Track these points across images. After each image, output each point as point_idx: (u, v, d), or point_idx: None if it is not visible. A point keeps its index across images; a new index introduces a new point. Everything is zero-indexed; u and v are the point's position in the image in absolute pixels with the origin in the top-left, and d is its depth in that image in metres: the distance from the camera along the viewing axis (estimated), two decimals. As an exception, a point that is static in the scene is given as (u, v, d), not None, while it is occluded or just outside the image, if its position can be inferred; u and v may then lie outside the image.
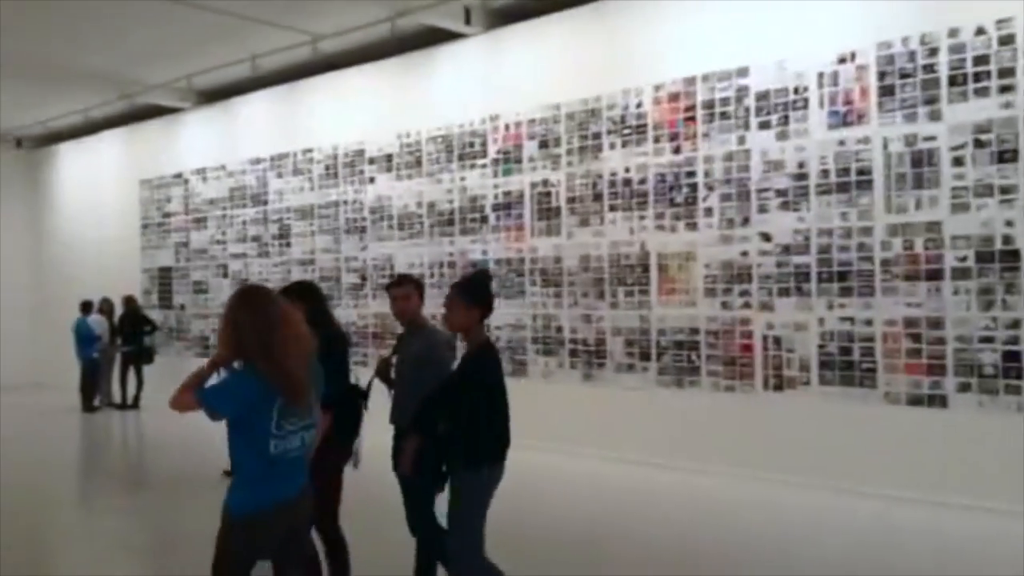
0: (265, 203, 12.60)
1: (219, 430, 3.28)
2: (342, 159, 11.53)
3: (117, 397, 13.48)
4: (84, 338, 13.34)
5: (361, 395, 4.75)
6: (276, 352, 3.17)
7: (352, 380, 4.76)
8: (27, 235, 17.35)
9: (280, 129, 12.38)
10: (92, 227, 16.02)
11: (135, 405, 13.21)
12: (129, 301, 13.65)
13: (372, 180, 11.15)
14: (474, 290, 4.20)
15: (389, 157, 10.95)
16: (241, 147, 12.95)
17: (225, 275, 13.27)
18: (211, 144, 13.52)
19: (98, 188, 15.89)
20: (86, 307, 13.64)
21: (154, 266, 14.62)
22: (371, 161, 11.16)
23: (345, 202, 11.51)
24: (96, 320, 13.52)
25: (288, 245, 12.28)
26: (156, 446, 10.75)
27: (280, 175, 12.36)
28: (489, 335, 4.40)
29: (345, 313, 11.45)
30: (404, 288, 4.74)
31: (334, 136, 11.62)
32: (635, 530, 6.39)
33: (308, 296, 4.61)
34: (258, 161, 12.67)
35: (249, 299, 3.32)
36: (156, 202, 14.56)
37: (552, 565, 5.66)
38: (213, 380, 3.25)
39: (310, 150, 11.92)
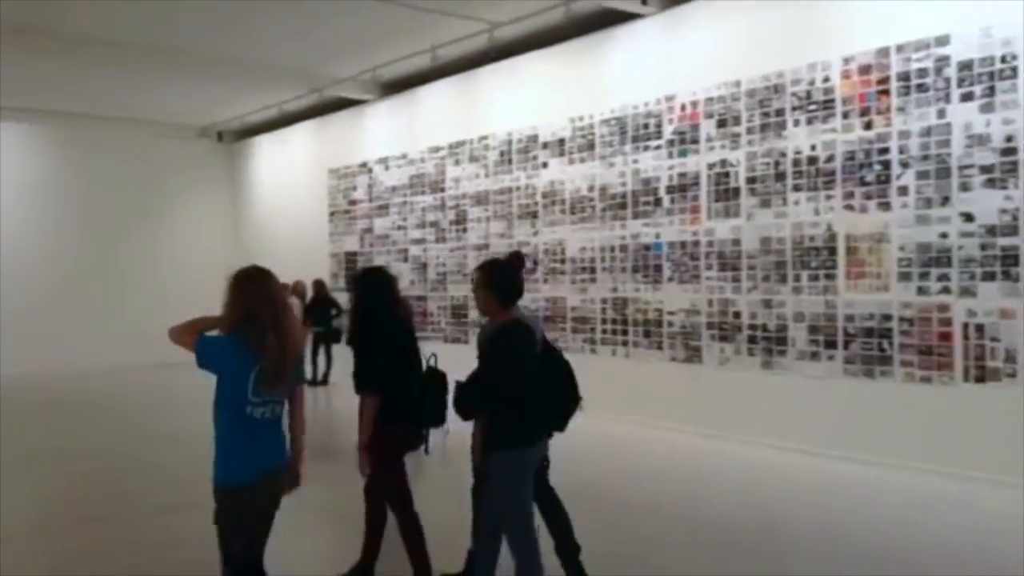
0: (443, 190, 12.97)
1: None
2: (516, 145, 11.68)
3: (308, 374, 14.28)
4: None
5: (436, 381, 4.67)
6: (268, 331, 3.44)
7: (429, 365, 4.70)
8: (227, 221, 18.78)
9: (457, 117, 12.70)
10: (284, 214, 17.11)
11: (324, 382, 13.95)
12: (319, 285, 14.40)
13: (545, 165, 11.22)
14: (494, 276, 4.21)
15: (562, 141, 10.98)
16: (421, 136, 13.39)
17: (405, 259, 13.78)
18: (393, 134, 14.07)
19: (290, 177, 16.95)
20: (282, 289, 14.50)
21: (340, 251, 15.40)
22: (544, 146, 11.23)
23: (518, 188, 11.65)
24: (290, 302, 14.33)
25: (464, 231, 12.59)
26: (346, 419, 11.33)
27: (457, 162, 12.68)
28: (517, 317, 4.22)
29: (518, 297, 11.60)
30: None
31: (508, 122, 11.78)
32: (814, 525, 6.08)
33: (359, 284, 4.74)
34: (437, 149, 13.05)
35: (256, 279, 3.61)
36: (342, 190, 15.32)
37: (727, 555, 5.48)
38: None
39: (485, 137, 12.15)
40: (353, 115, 15.05)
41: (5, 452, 9.75)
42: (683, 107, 9.46)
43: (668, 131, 9.60)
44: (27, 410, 12.41)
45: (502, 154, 11.89)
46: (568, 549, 4.63)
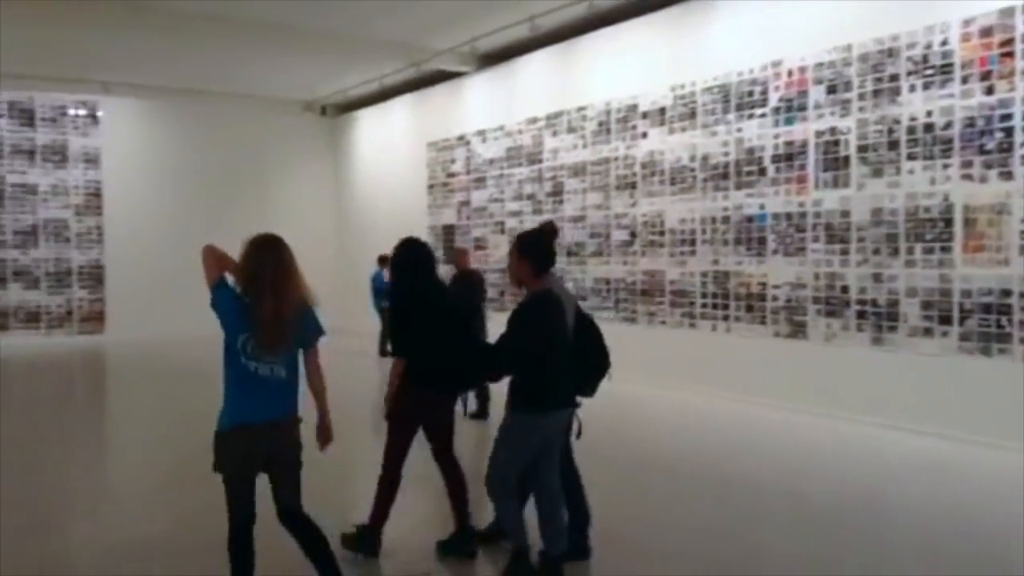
0: (540, 162, 12.93)
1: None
2: (615, 115, 11.52)
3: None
4: (379, 289, 14.26)
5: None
6: (264, 296, 3.63)
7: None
8: (329, 194, 19.25)
9: (555, 88, 12.61)
10: (384, 187, 17.40)
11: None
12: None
13: (644, 135, 11.04)
14: (526, 243, 4.28)
15: (662, 111, 10.77)
16: (518, 108, 13.36)
17: (502, 231, 13.83)
18: (491, 106, 14.09)
19: (390, 151, 17.20)
20: (383, 260, 14.63)
21: (438, 224, 15.57)
22: (644, 115, 11.05)
23: (616, 158, 11.51)
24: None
25: (561, 202, 12.53)
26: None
27: (555, 133, 12.61)
28: (549, 287, 4.27)
29: (613, 269, 11.52)
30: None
31: (607, 92, 11.63)
32: (921, 505, 5.85)
33: (394, 257, 4.85)
34: (534, 120, 13.01)
35: (263, 244, 3.79)
36: (441, 163, 15.46)
37: (830, 533, 5.34)
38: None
39: (584, 107, 12.03)
40: (451, 88, 15.13)
41: (122, 415, 10.32)
42: (790, 73, 9.13)
43: (774, 98, 9.30)
44: (139, 375, 13.07)
45: (600, 124, 11.76)
46: (576, 523, 4.66)
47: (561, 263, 12.47)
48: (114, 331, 16.77)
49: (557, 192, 12.59)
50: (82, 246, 16.88)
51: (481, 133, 14.30)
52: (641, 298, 11.12)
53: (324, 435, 3.99)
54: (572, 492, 4.62)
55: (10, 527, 5.46)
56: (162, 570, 4.69)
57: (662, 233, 10.79)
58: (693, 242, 10.35)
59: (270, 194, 18.56)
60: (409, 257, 4.84)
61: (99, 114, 16.95)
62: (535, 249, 4.27)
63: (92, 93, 16.67)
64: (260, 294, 3.65)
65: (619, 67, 11.48)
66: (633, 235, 11.24)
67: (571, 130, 12.29)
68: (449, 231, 15.24)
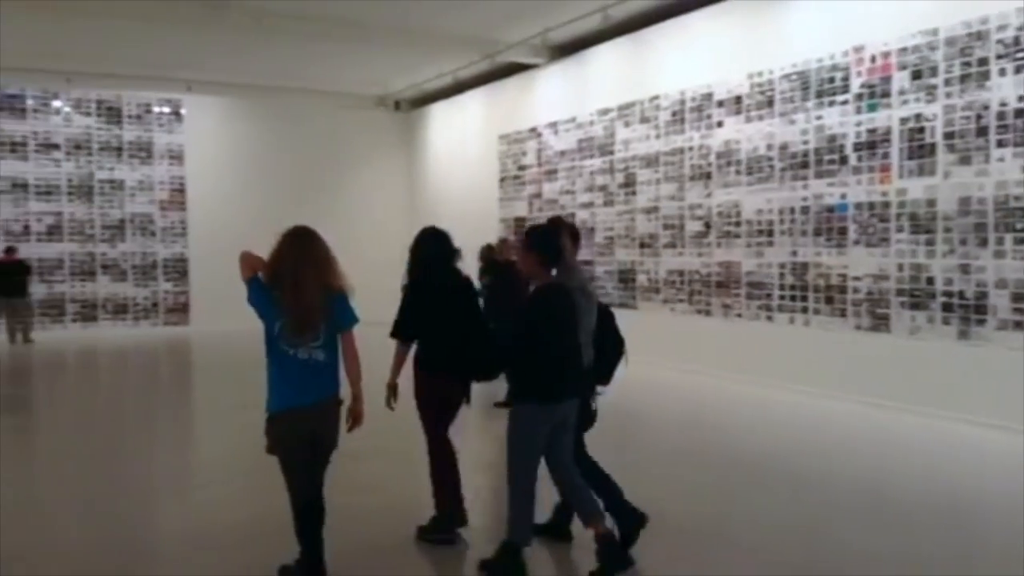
0: (611, 153, 12.84)
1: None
2: (689, 104, 11.36)
3: None
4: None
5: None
6: (289, 285, 3.84)
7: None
8: (402, 188, 19.48)
9: (628, 78, 12.49)
10: (456, 180, 17.53)
11: None
12: (489, 249, 14.46)
13: (720, 124, 10.85)
14: (535, 237, 4.38)
15: (738, 99, 10.57)
16: (590, 99, 13.29)
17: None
18: (562, 98, 14.04)
19: (462, 144, 17.31)
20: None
21: (510, 216, 15.61)
22: (719, 104, 10.86)
23: (691, 148, 11.35)
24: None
25: (633, 194, 12.42)
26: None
27: (627, 124, 12.50)
28: (558, 280, 4.37)
29: (687, 261, 11.37)
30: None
31: (681, 81, 11.47)
32: (1011, 505, 5.62)
33: (415, 244, 5.05)
34: (606, 112, 12.92)
35: (292, 236, 3.99)
36: (512, 156, 15.49)
37: (913, 531, 5.18)
38: None
39: (656, 97, 11.89)
40: (523, 80, 15.14)
41: (206, 402, 10.65)
42: (873, 59, 8.85)
43: (856, 85, 9.03)
44: (222, 364, 13.45)
45: (674, 114, 11.61)
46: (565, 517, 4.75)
47: (633, 255, 12.38)
48: (198, 322, 17.32)
49: (629, 183, 12.49)
50: (167, 240, 17.47)
51: (553, 125, 14.26)
52: (716, 290, 10.95)
53: (355, 418, 4.15)
54: (598, 480, 4.65)
55: (100, 511, 5.69)
56: (244, 556, 4.82)
57: (738, 224, 10.61)
58: (771, 233, 10.14)
59: (344, 188, 18.88)
60: (425, 246, 5.01)
61: (183, 111, 17.51)
62: (543, 243, 4.37)
63: (176, 91, 17.22)
64: (283, 284, 3.88)
65: (693, 56, 11.31)
66: (708, 226, 11.07)
67: (644, 120, 12.16)
68: (521, 223, 15.25)
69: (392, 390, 4.85)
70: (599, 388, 4.68)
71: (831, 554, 4.78)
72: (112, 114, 17.03)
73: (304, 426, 3.97)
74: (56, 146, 16.64)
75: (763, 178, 10.22)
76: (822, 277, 9.48)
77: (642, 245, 12.22)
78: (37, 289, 16.00)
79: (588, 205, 13.41)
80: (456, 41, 14.04)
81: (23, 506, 5.79)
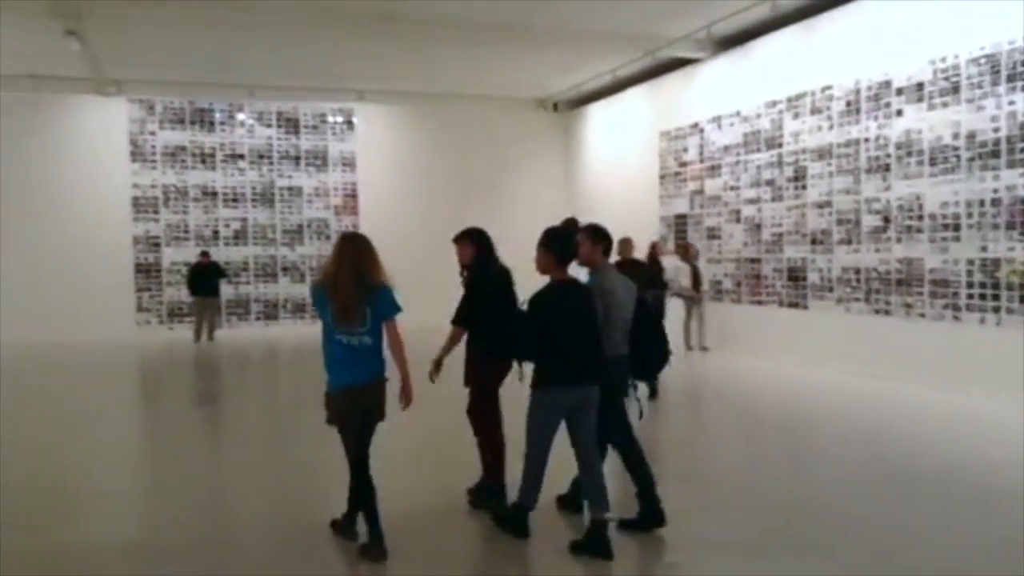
0: (780, 146, 12.41)
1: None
2: (864, 93, 10.81)
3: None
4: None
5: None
6: (331, 281, 4.56)
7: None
8: (560, 189, 19.60)
9: (797, 68, 12.03)
10: (615, 179, 17.46)
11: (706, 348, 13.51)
12: (651, 247, 14.10)
13: (899, 113, 10.27)
14: (552, 237, 4.78)
15: (919, 86, 9.97)
16: (756, 91, 12.90)
17: (737, 220, 13.44)
18: (726, 91, 13.70)
19: (621, 143, 17.23)
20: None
21: (670, 214, 15.39)
22: (898, 92, 10.28)
23: (867, 139, 10.80)
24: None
25: (803, 188, 11.96)
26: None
27: (796, 116, 12.05)
28: (571, 278, 4.80)
29: (863, 258, 10.83)
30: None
31: (856, 69, 10.93)
32: None
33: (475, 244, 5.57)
34: (774, 103, 12.50)
35: (340, 240, 4.76)
36: (673, 152, 15.26)
37: None
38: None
39: (829, 87, 11.40)
40: (684, 75, 14.88)
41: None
42: (1077, 36, 8.14)
43: (1056, 65, 8.33)
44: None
45: (848, 104, 11.08)
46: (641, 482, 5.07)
47: (803, 251, 11.92)
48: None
49: (799, 177, 12.04)
50: (340, 242, 18.36)
51: (716, 119, 13.95)
52: (896, 288, 10.37)
53: (405, 397, 4.76)
54: (636, 465, 5.04)
55: (290, 493, 6.06)
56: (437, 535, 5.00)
57: (920, 218, 10.01)
58: (957, 227, 9.51)
59: (505, 191, 19.21)
60: (483, 246, 5.55)
61: (354, 120, 18.37)
62: (558, 243, 4.78)
63: (348, 101, 18.09)
64: (329, 283, 4.58)
65: (869, 42, 10.76)
66: (887, 220, 10.50)
67: (815, 111, 11.68)
68: (681, 221, 15.02)
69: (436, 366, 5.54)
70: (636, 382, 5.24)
71: (1039, 572, 4.43)
72: (290, 125, 18.10)
73: (357, 402, 4.63)
74: (241, 156, 17.88)
75: (948, 169, 9.59)
76: (1016, 274, 8.79)
77: (813, 241, 11.75)
78: (225, 290, 17.21)
79: (754, 201, 13.03)
80: (617, 39, 13.98)
81: (212, 486, 6.26)
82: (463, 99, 18.58)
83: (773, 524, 5.26)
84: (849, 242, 11.14)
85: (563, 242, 4.80)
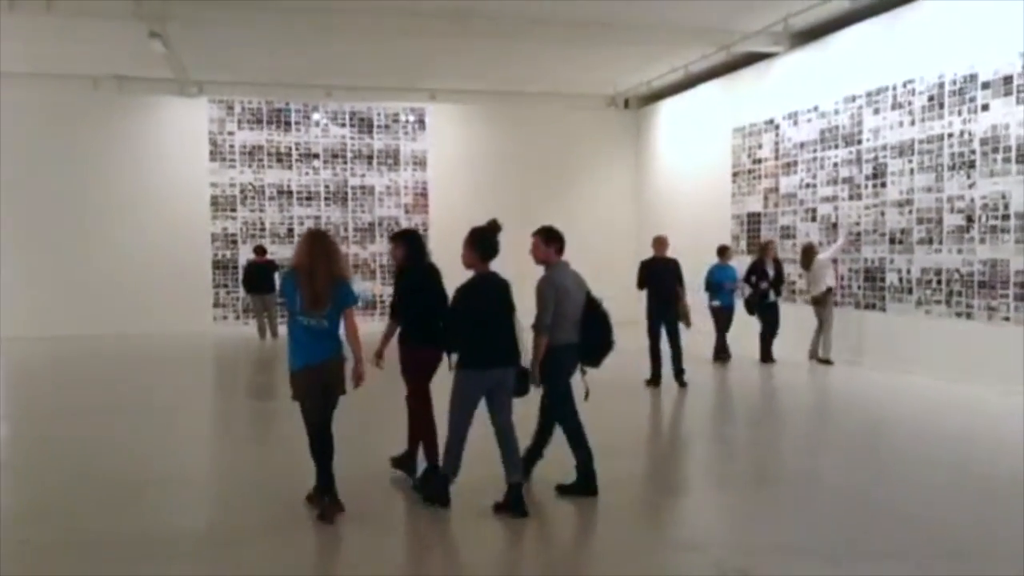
0: (859, 142, 12.07)
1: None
2: (948, 87, 10.44)
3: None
4: (718, 284, 12.42)
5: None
6: (307, 272, 5.11)
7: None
8: (630, 186, 19.45)
9: (877, 62, 11.67)
10: (686, 176, 17.21)
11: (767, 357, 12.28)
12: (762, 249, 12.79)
13: (985, 107, 9.88)
14: (476, 237, 5.46)
15: (1008, 79, 9.57)
16: (834, 86, 12.55)
17: (813, 219, 13.12)
18: (803, 86, 13.37)
19: (693, 139, 16.98)
20: (723, 251, 12.80)
21: (743, 212, 15.11)
22: (985, 86, 9.89)
23: (950, 135, 10.42)
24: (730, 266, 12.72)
25: (883, 185, 11.61)
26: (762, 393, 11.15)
27: (876, 111, 11.70)
28: (491, 272, 5.50)
29: (945, 259, 10.46)
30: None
31: (939, 63, 10.56)
32: None
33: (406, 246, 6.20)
34: (852, 99, 12.16)
35: (306, 237, 5.40)
36: (747, 149, 14.98)
37: None
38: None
39: (911, 81, 11.03)
40: (759, 70, 14.57)
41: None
42: None
43: None
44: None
45: (931, 99, 10.71)
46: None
47: (882, 251, 11.57)
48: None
49: (878, 174, 11.68)
50: (410, 240, 18.54)
51: (792, 115, 13.63)
52: (979, 291, 9.99)
53: (357, 377, 5.34)
54: (577, 440, 5.64)
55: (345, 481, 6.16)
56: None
57: (1007, 217, 9.61)
58: (1047, 226, 9.10)
59: (576, 188, 19.12)
60: (412, 245, 6.22)
61: (426, 119, 18.54)
62: (481, 241, 5.43)
63: (420, 101, 18.25)
64: (300, 273, 5.11)
65: (953, 35, 10.38)
66: (970, 220, 10.12)
67: (896, 106, 11.32)
68: (754, 219, 14.73)
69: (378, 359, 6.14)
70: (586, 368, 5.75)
71: None
72: (363, 124, 18.37)
73: (317, 378, 5.19)
74: (315, 155, 18.21)
75: (1038, 165, 9.19)
76: (1113, 275, 8.36)
77: (892, 241, 11.40)
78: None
79: (831, 199, 12.70)
80: (690, 34, 13.78)
81: (282, 474, 6.38)
82: (534, 97, 18.56)
83: (853, 529, 5.12)
84: (930, 242, 10.76)
85: (485, 241, 5.45)
